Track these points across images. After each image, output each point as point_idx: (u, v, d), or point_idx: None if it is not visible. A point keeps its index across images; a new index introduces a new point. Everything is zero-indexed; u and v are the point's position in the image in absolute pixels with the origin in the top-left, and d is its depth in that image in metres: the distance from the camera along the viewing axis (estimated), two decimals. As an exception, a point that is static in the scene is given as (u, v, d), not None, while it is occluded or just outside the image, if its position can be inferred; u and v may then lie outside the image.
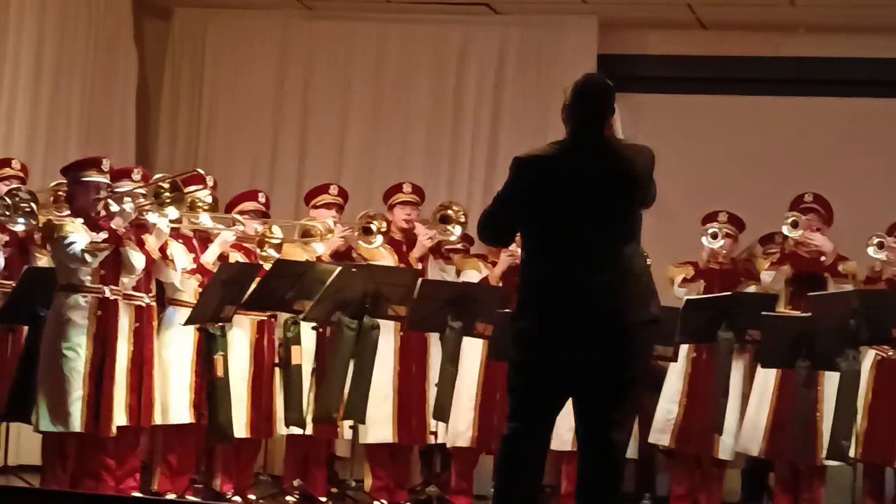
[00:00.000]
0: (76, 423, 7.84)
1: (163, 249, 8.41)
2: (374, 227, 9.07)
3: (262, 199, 9.23)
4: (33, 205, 8.41)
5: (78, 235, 7.90)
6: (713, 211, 9.39)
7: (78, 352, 7.89)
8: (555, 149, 5.69)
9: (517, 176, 5.66)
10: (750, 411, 8.95)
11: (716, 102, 11.38)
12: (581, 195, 5.56)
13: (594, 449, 5.59)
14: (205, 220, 8.73)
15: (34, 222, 8.47)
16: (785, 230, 8.98)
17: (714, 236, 9.20)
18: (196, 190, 8.70)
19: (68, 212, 8.37)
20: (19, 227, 8.47)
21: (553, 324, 5.55)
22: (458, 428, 8.91)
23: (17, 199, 8.38)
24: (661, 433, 9.11)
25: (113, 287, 8.04)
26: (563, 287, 5.55)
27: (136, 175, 8.59)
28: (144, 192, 8.36)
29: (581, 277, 5.53)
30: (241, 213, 9.08)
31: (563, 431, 7.55)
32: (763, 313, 8.45)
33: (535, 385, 5.59)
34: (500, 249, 8.94)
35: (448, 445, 9.02)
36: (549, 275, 5.60)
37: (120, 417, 8.09)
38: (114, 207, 8.04)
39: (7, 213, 8.31)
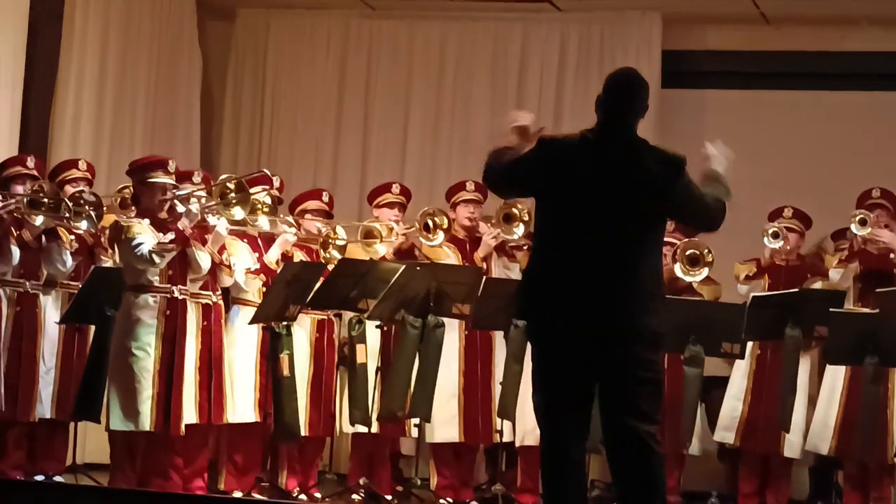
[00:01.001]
0: (146, 421, 7.89)
1: (219, 254, 8.43)
2: (434, 223, 9.07)
3: (325, 198, 9.26)
4: (97, 208, 8.47)
5: (145, 237, 7.94)
6: (779, 206, 9.32)
7: (147, 351, 7.94)
8: (579, 137, 5.64)
9: (536, 153, 5.64)
10: (819, 409, 8.87)
11: (780, 98, 11.30)
12: (591, 189, 5.51)
13: (615, 440, 5.56)
14: (262, 222, 8.76)
15: (97, 226, 8.53)
16: (853, 228, 8.88)
17: (775, 236, 9.11)
18: (260, 191, 8.72)
19: (135, 213, 8.42)
20: (81, 227, 8.53)
21: (554, 326, 5.53)
22: (525, 426, 8.86)
23: (81, 201, 8.44)
24: (727, 430, 9.06)
25: (181, 287, 8.09)
26: (558, 283, 5.52)
27: (197, 178, 8.63)
28: (210, 192, 8.40)
29: (576, 275, 5.49)
30: (305, 212, 9.11)
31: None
32: (831, 310, 8.37)
33: (556, 377, 5.58)
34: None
35: (516, 444, 8.99)
36: (548, 266, 5.58)
37: (190, 415, 8.13)
38: (180, 208, 8.08)
39: (69, 214, 8.37)
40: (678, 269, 8.87)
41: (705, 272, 8.92)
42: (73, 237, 8.61)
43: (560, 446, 5.58)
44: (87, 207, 8.45)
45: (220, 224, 8.29)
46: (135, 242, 7.93)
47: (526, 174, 5.68)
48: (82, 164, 9.17)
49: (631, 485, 5.56)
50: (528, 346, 8.36)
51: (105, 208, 8.87)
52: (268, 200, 8.78)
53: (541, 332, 5.61)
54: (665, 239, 6.20)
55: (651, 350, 5.59)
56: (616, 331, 5.49)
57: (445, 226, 9.08)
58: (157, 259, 7.92)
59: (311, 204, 9.17)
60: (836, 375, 8.84)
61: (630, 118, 5.64)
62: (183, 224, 7.97)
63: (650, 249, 5.62)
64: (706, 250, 8.88)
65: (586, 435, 5.67)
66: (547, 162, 5.60)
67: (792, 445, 8.85)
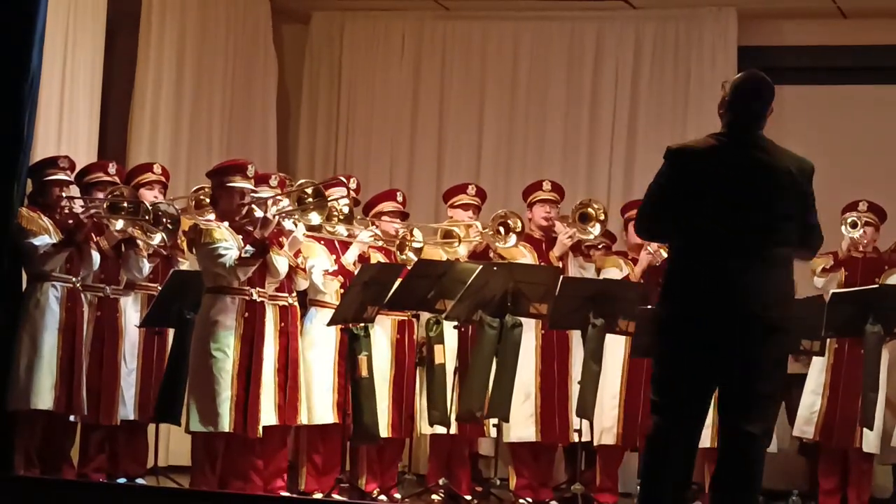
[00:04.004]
0: (225, 423, 7.93)
1: (294, 257, 8.47)
2: (507, 227, 9.06)
3: (399, 198, 9.28)
4: (175, 223, 8.54)
5: (227, 245, 7.97)
6: (853, 200, 9.25)
7: (227, 353, 7.98)
8: (708, 142, 5.66)
9: (669, 165, 5.65)
10: (904, 405, 8.82)
11: (857, 92, 11.20)
12: (729, 189, 5.53)
13: (730, 442, 5.55)
14: (340, 230, 8.79)
15: (174, 239, 8.62)
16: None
17: (853, 225, 9.08)
18: (338, 198, 8.75)
19: (211, 215, 8.48)
20: (156, 240, 8.61)
21: (693, 312, 5.52)
22: (603, 425, 8.86)
23: (159, 213, 8.52)
24: (806, 426, 9.01)
25: (259, 289, 8.13)
26: (705, 278, 5.52)
27: (274, 181, 8.68)
28: (287, 197, 8.44)
29: (722, 270, 5.49)
30: (380, 213, 9.13)
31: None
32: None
33: (675, 375, 5.57)
34: (640, 248, 8.94)
35: (594, 443, 8.97)
36: (693, 265, 5.57)
37: (268, 417, 8.17)
38: (258, 213, 8.13)
39: (148, 217, 8.45)
40: None
41: None
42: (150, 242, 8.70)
43: (672, 444, 5.57)
44: (165, 220, 8.53)
45: (297, 230, 8.33)
46: (218, 251, 7.96)
47: (666, 188, 5.64)
48: (157, 168, 9.25)
49: (731, 484, 5.55)
50: (605, 345, 8.48)
51: (182, 210, 8.96)
52: (345, 209, 8.80)
53: (682, 320, 5.57)
54: None
55: (782, 350, 5.65)
56: (758, 329, 5.48)
57: (519, 229, 9.06)
58: (240, 274, 7.97)
59: (386, 205, 9.20)
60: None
61: (762, 120, 5.68)
62: (259, 234, 8.00)
63: (791, 246, 5.64)
64: None
65: (699, 435, 5.68)
66: (683, 167, 5.61)
67: (869, 441, 8.77)
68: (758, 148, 5.62)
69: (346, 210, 8.80)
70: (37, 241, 8.27)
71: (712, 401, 5.65)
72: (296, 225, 8.33)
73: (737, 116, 5.67)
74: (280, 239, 8.29)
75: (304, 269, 8.54)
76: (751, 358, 5.50)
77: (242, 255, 7.96)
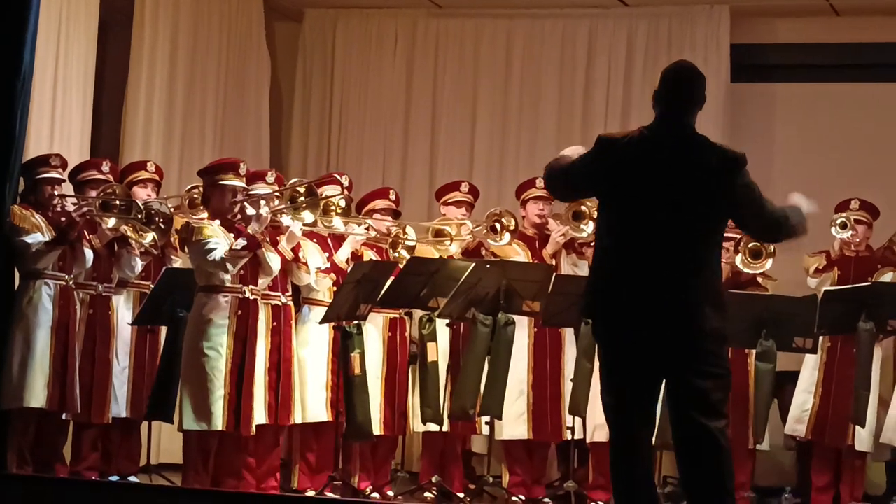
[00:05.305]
0: (218, 421, 7.94)
1: (295, 252, 8.49)
2: (501, 224, 9.06)
3: (392, 196, 9.28)
4: (167, 222, 8.55)
5: (217, 241, 7.98)
6: (846, 199, 9.26)
7: (220, 351, 7.98)
8: (637, 134, 5.62)
9: (595, 152, 5.65)
10: (895, 403, 8.80)
11: (850, 90, 11.20)
12: (652, 185, 5.50)
13: (687, 436, 5.55)
14: (337, 223, 8.79)
15: (165, 238, 8.62)
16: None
17: (843, 226, 9.07)
18: (332, 195, 8.75)
19: (204, 214, 8.48)
20: (147, 239, 8.61)
21: (615, 317, 5.54)
22: (596, 422, 8.85)
23: (152, 212, 8.52)
24: (798, 423, 9.02)
25: (252, 287, 8.13)
26: (624, 282, 5.52)
27: (270, 178, 8.67)
28: (280, 195, 8.45)
29: (642, 273, 5.48)
30: (373, 210, 9.13)
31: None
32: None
33: (614, 376, 5.61)
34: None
35: (587, 441, 8.97)
36: (613, 265, 5.57)
37: (260, 416, 8.17)
38: (249, 211, 8.13)
39: (140, 215, 8.45)
40: (739, 261, 8.82)
41: (769, 264, 8.86)
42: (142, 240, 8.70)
43: (628, 442, 5.59)
44: (157, 219, 8.54)
45: (294, 225, 8.33)
46: (207, 247, 7.96)
47: (585, 173, 5.67)
48: (151, 166, 9.24)
49: (699, 480, 5.55)
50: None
51: (175, 208, 8.96)
52: (342, 203, 8.81)
53: (607, 330, 5.61)
54: (726, 234, 6.17)
55: (717, 345, 5.58)
56: (682, 327, 5.48)
57: (512, 227, 9.07)
58: (229, 266, 7.96)
59: (379, 203, 9.20)
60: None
61: (687, 112, 5.62)
62: (253, 228, 8.01)
63: (711, 247, 5.60)
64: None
65: (653, 430, 5.69)
66: (606, 160, 5.60)
67: (862, 438, 8.78)
68: (681, 141, 5.55)
69: (342, 203, 8.80)
70: (29, 239, 8.26)
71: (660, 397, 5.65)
72: (293, 220, 8.34)
73: (663, 109, 5.62)
74: (277, 237, 8.30)
75: (305, 264, 8.55)
76: (688, 358, 5.49)
77: (233, 247, 7.96)
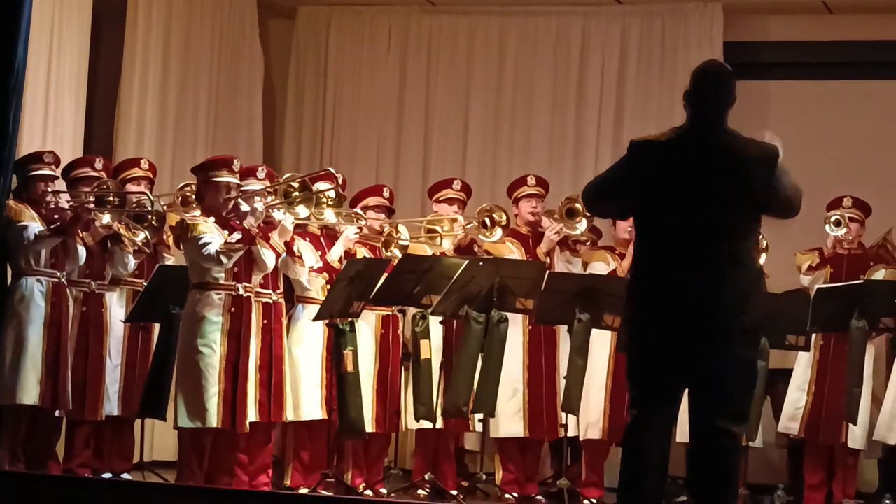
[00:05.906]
0: (213, 419, 7.93)
1: (289, 246, 8.48)
2: (492, 220, 9.07)
3: (385, 193, 9.28)
4: (160, 220, 8.56)
5: (211, 236, 7.98)
6: (838, 196, 9.26)
7: (213, 348, 7.97)
8: (670, 135, 5.62)
9: (630, 158, 5.63)
10: (888, 400, 8.81)
11: (843, 88, 11.20)
12: (690, 185, 5.49)
13: (703, 438, 5.53)
14: (329, 215, 8.78)
15: (157, 236, 8.62)
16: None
17: (837, 224, 9.09)
18: (325, 190, 8.74)
19: (198, 211, 8.47)
20: (139, 237, 8.61)
21: (655, 314, 5.52)
22: (589, 420, 8.87)
23: (145, 209, 8.52)
24: (791, 421, 9.02)
25: (246, 284, 8.12)
26: (664, 280, 5.50)
27: (261, 173, 8.67)
28: (274, 191, 8.44)
29: (682, 272, 5.47)
30: (366, 207, 9.13)
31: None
32: (897, 301, 8.33)
33: (647, 372, 5.57)
34: (627, 243, 8.94)
35: (580, 438, 8.98)
36: (654, 265, 5.56)
37: (251, 414, 8.17)
38: (244, 207, 8.12)
39: (132, 214, 8.46)
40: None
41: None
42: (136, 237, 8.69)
43: (647, 436, 5.57)
44: (150, 217, 8.54)
45: (286, 219, 8.32)
46: (202, 242, 7.95)
47: (621, 180, 5.65)
48: (144, 163, 9.24)
49: (709, 481, 5.54)
50: (591, 340, 8.49)
51: (168, 206, 8.95)
52: (332, 195, 8.80)
53: (647, 320, 5.57)
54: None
55: (751, 347, 5.58)
56: (721, 327, 5.46)
57: (504, 222, 9.07)
58: (224, 259, 7.95)
59: (372, 200, 9.20)
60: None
61: (723, 110, 5.62)
62: (248, 223, 8.00)
63: (752, 243, 5.62)
64: None
65: (672, 429, 5.68)
66: (646, 164, 5.58)
67: (855, 436, 8.79)
68: (720, 139, 5.55)
69: (332, 195, 8.78)
70: (29, 224, 8.27)
71: (683, 396, 5.65)
72: (285, 215, 8.33)
73: (698, 108, 5.61)
74: (269, 232, 8.29)
75: (300, 257, 8.55)
76: (714, 361, 5.47)
77: (228, 240, 7.95)
